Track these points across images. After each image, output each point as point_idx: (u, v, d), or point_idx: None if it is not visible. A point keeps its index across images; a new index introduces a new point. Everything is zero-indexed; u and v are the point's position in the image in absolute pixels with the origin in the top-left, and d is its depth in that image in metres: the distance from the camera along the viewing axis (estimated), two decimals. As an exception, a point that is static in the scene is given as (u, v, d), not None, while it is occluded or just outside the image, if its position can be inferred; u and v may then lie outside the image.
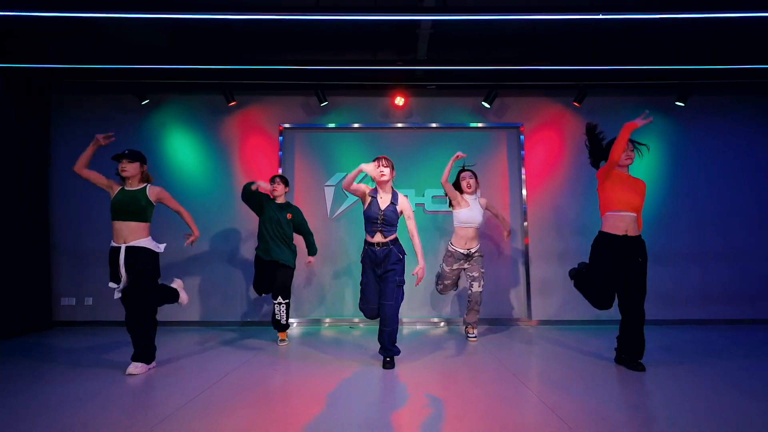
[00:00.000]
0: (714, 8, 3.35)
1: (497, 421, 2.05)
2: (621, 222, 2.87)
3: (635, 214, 2.89)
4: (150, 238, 2.95)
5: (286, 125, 4.94)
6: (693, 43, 4.32)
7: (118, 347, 3.63)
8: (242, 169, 4.91)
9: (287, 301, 3.70)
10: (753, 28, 3.90)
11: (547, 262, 4.83)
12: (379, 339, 3.02)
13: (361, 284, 3.11)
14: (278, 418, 2.11)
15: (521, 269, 4.83)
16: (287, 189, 3.91)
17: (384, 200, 3.03)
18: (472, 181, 3.87)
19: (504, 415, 2.13)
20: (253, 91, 4.92)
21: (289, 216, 3.79)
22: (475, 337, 3.92)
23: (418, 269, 2.93)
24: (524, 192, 4.87)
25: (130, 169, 2.89)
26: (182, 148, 4.90)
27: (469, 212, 3.78)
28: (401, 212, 3.05)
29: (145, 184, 2.98)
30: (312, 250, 4.02)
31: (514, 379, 2.70)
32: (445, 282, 3.94)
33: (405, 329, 4.54)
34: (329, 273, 4.79)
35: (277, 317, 3.67)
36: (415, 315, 4.76)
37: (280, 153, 4.90)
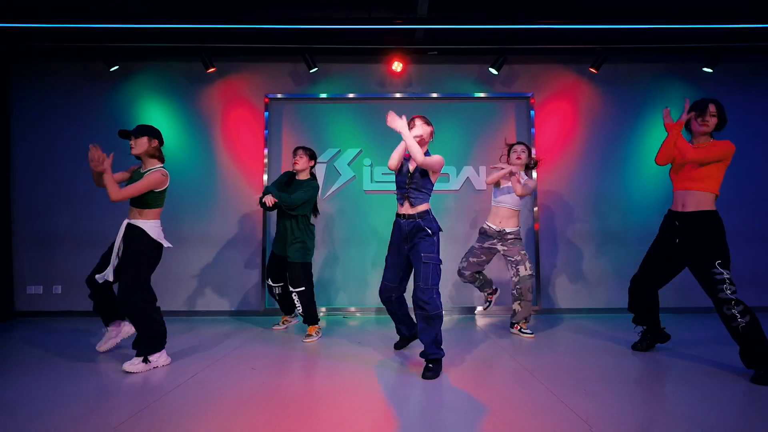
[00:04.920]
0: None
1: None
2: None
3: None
4: (153, 222, 2.59)
5: (273, 96, 4.47)
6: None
7: (88, 338, 3.24)
8: (225, 145, 4.46)
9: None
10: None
11: (559, 248, 4.42)
12: (419, 335, 2.45)
13: (385, 261, 2.70)
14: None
15: (531, 255, 4.42)
16: (312, 163, 3.48)
17: (410, 164, 2.58)
18: (524, 155, 3.40)
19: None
20: (234, 56, 4.44)
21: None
22: (531, 333, 3.31)
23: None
24: (534, 173, 4.43)
25: (137, 146, 2.59)
26: (157, 121, 4.41)
27: (508, 192, 3.35)
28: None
29: (156, 166, 2.65)
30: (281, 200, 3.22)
31: (533, 380, 2.31)
32: (470, 259, 3.39)
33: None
34: (321, 258, 4.38)
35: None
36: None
37: (266, 130, 4.44)
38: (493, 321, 3.97)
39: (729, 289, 2.26)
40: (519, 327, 3.36)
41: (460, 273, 3.46)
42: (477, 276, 3.52)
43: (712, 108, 2.43)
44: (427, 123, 2.64)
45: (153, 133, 2.65)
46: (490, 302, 3.61)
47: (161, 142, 2.71)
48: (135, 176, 2.63)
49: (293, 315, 3.73)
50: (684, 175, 2.47)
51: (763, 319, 3.83)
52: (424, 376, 2.32)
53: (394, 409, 1.95)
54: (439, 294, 2.43)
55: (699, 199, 2.42)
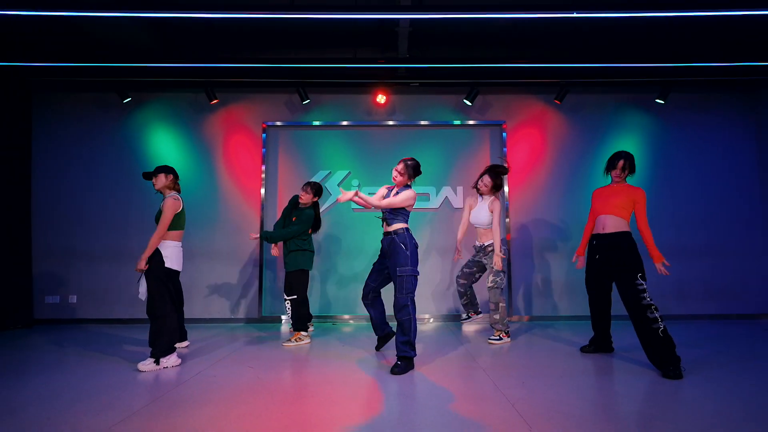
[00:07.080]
0: (692, 6, 3.37)
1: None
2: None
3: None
4: (172, 243, 3.06)
5: (270, 123, 4.96)
6: (672, 40, 4.35)
7: (102, 342, 3.67)
8: (226, 168, 4.93)
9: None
10: (730, 25, 3.93)
11: (528, 259, 4.87)
12: (396, 337, 2.93)
13: (372, 266, 3.21)
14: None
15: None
16: (315, 198, 3.86)
17: (393, 192, 3.10)
18: (487, 180, 3.69)
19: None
20: (235, 89, 4.93)
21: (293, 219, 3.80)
22: (497, 339, 3.64)
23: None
24: (506, 189, 4.91)
25: (156, 182, 3.11)
26: (165, 147, 4.91)
27: (475, 212, 3.75)
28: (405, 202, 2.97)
29: (168, 194, 3.12)
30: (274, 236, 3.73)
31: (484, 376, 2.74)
32: (464, 269, 3.83)
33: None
34: (313, 271, 4.81)
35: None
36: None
37: (264, 151, 4.92)
38: (476, 328, 4.40)
39: (649, 297, 2.72)
40: (499, 335, 3.66)
41: (456, 279, 3.90)
42: (467, 292, 3.91)
43: (621, 163, 3.03)
44: (405, 167, 3.04)
45: (167, 169, 3.16)
46: (470, 317, 4.06)
47: (176, 176, 3.20)
48: (158, 213, 3.11)
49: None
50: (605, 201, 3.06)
51: (702, 326, 4.24)
52: (392, 371, 2.76)
53: (364, 396, 2.38)
54: (413, 302, 2.88)
55: (618, 223, 2.96)
